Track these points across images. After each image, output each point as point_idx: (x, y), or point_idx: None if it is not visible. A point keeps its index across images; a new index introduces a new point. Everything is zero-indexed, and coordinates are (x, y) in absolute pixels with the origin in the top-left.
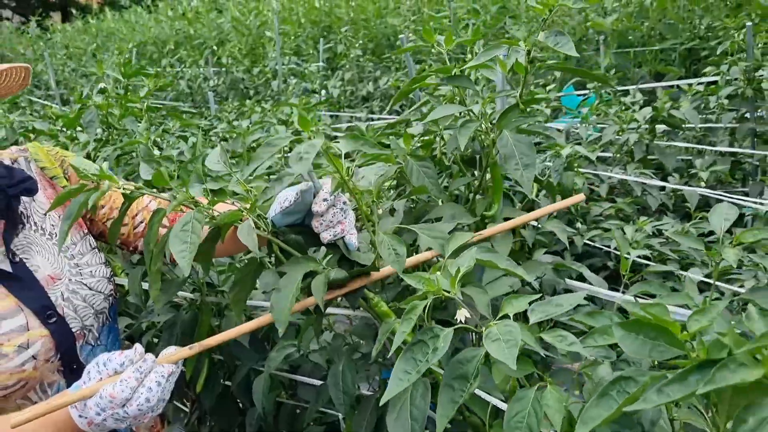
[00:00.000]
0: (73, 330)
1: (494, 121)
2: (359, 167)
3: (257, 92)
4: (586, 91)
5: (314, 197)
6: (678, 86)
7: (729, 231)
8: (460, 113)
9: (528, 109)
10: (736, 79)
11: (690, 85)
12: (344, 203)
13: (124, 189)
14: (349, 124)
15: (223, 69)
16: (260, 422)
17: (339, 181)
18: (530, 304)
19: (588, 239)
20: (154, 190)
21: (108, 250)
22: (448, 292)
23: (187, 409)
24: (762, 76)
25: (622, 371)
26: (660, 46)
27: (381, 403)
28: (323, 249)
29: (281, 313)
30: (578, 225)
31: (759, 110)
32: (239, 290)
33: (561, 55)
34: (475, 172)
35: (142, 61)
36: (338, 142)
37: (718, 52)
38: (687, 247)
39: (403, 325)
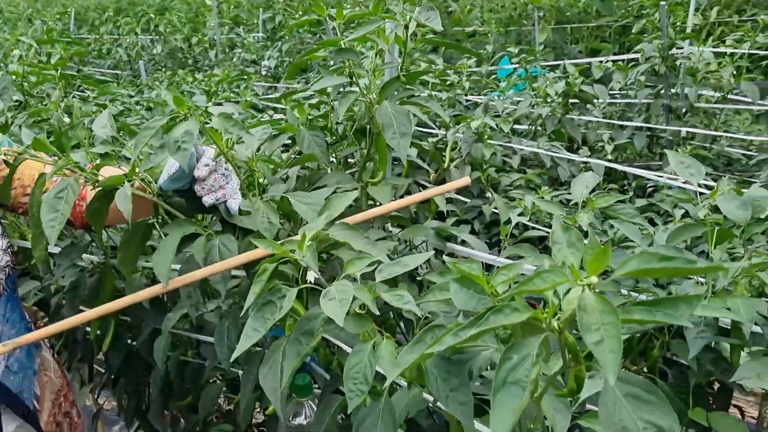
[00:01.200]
0: None
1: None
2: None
3: (195, 62)
4: (517, 65)
5: (197, 162)
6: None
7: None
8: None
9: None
10: (651, 57)
11: (617, 61)
12: (226, 169)
13: (6, 156)
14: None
15: (161, 38)
16: (166, 380)
17: (218, 152)
18: (377, 265)
19: (495, 208)
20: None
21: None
22: (296, 255)
23: (104, 371)
24: (678, 53)
25: (436, 320)
26: (596, 23)
27: (232, 358)
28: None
29: (162, 270)
30: (488, 195)
31: (673, 87)
32: (126, 251)
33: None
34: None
35: (81, 28)
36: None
37: (633, 31)
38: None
39: (254, 286)
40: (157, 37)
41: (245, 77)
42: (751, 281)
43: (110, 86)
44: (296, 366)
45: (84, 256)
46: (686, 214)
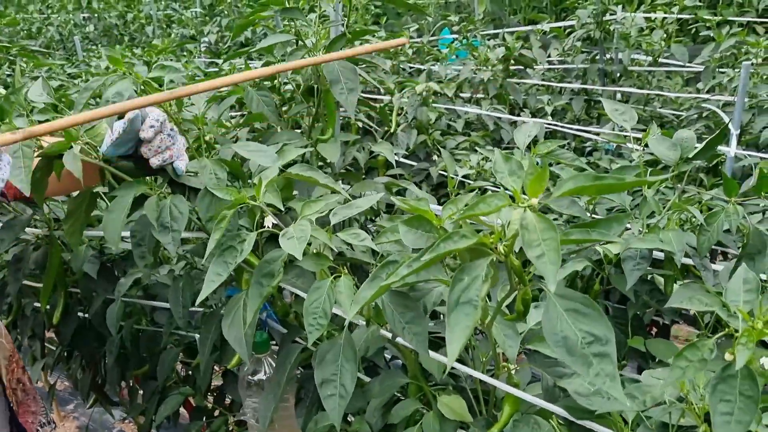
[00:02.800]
0: None
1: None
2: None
3: (132, 39)
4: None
5: (142, 125)
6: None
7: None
8: (294, 44)
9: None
10: (586, 23)
11: (555, 28)
12: (172, 129)
13: None
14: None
15: (95, 15)
16: (121, 350)
17: (163, 111)
18: (331, 208)
19: (442, 169)
20: None
21: None
22: (255, 201)
23: (54, 348)
24: (611, 19)
25: (391, 256)
26: None
27: (197, 302)
28: None
29: (112, 234)
30: (435, 158)
31: (608, 52)
32: (73, 222)
33: None
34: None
35: (8, 8)
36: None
37: None
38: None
39: (214, 233)
40: (91, 14)
41: (189, 49)
42: (682, 218)
43: (46, 59)
44: (259, 307)
45: (27, 229)
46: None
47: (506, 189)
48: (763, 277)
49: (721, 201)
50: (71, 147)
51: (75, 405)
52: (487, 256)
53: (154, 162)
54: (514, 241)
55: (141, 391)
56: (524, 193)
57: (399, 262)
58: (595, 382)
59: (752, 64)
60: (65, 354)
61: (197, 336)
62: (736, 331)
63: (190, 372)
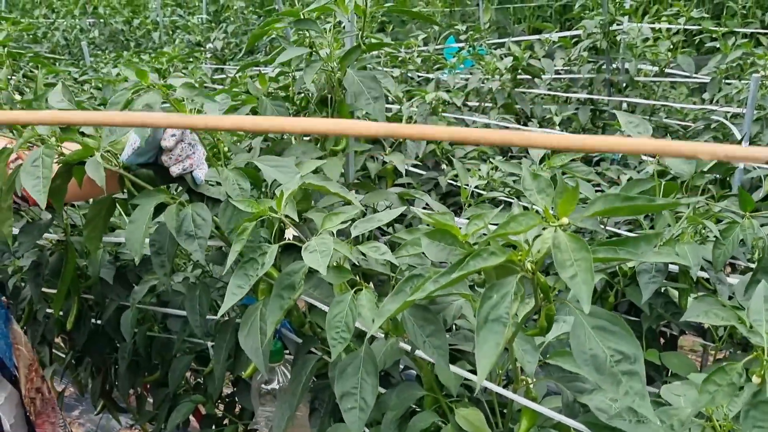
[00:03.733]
0: None
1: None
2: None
3: (138, 45)
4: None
5: (163, 133)
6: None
7: None
8: (307, 54)
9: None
10: (592, 33)
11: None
12: (193, 138)
13: None
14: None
15: (101, 20)
16: (133, 356)
17: None
18: (352, 221)
19: (450, 178)
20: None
21: None
22: (275, 213)
23: (63, 355)
24: (618, 29)
25: (414, 270)
26: (537, 2)
27: (220, 314)
28: None
29: (135, 244)
30: (444, 166)
31: (614, 62)
32: (92, 228)
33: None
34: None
35: (12, 12)
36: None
37: (576, 7)
38: (508, 173)
39: (235, 245)
40: (96, 19)
41: (196, 55)
42: (696, 230)
43: (57, 65)
44: (280, 320)
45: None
46: (630, 179)
47: (529, 205)
48: None
49: (731, 213)
50: (93, 155)
51: (80, 411)
52: (516, 274)
53: (175, 170)
54: (542, 259)
55: (150, 399)
56: (553, 211)
57: (424, 276)
58: (624, 401)
59: (761, 76)
60: (73, 360)
61: (209, 344)
62: (763, 352)
63: (200, 380)
